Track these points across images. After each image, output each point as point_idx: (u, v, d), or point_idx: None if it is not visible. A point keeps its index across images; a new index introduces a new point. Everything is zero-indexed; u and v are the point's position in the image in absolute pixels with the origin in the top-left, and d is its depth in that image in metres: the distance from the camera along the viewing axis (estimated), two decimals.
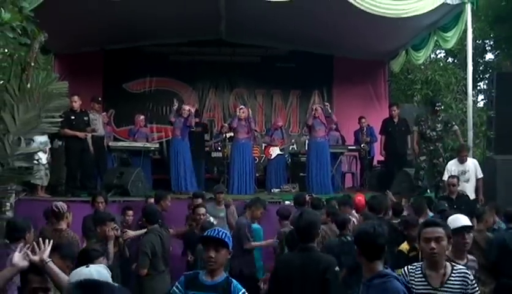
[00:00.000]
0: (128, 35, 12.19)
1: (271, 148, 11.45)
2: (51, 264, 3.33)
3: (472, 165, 8.59)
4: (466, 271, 3.51)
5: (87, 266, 2.77)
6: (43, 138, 8.59)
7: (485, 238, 5.77)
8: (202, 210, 6.86)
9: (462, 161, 8.59)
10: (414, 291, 3.43)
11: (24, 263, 3.28)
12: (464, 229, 4.16)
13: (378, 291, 3.13)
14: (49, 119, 6.28)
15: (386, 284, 3.12)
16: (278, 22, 10.92)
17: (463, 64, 12.78)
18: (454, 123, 9.84)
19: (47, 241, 3.48)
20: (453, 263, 3.57)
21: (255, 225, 7.16)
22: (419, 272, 3.51)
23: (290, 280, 4.13)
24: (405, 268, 3.60)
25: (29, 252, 3.34)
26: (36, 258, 3.31)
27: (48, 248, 3.41)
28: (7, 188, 6.35)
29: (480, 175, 8.51)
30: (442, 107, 10.46)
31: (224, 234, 3.55)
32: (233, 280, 3.51)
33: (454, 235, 3.92)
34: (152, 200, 7.71)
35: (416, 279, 3.49)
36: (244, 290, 3.45)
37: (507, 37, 20.93)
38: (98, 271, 2.71)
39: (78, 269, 2.80)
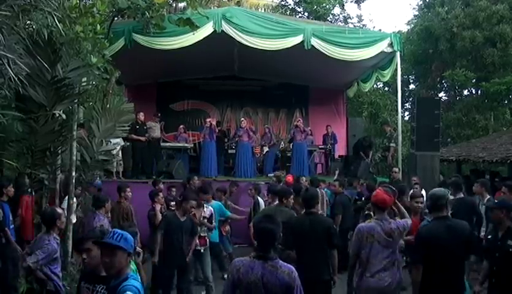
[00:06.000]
0: (173, 73, 12.12)
1: (263, 147, 11.77)
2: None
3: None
4: None
5: None
6: (118, 140, 8.55)
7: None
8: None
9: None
10: None
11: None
12: None
13: None
14: (121, 128, 6.30)
15: None
16: (272, 64, 10.87)
17: (394, 91, 12.73)
18: (393, 141, 9.97)
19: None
20: None
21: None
22: None
23: (302, 235, 3.95)
24: None
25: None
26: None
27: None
28: (93, 173, 6.34)
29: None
30: (390, 128, 10.70)
31: None
32: None
33: None
34: (195, 180, 7.49)
35: None
36: None
37: (422, 74, 21.07)
38: None
39: None
